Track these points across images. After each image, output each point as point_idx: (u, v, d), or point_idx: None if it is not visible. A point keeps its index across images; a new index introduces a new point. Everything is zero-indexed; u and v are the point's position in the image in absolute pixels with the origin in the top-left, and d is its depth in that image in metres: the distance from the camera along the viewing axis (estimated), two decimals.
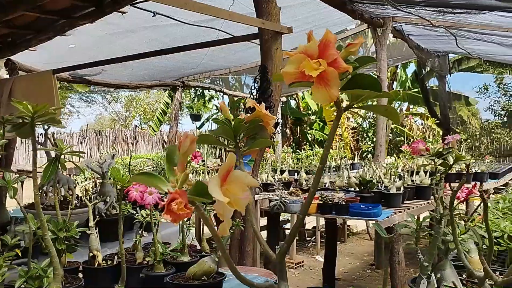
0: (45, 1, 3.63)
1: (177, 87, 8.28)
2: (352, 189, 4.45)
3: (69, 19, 4.27)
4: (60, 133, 16.06)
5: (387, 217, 3.75)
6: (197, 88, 13.68)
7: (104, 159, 3.59)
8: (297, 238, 7.44)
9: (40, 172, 1.87)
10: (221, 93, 9.55)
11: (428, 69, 8.90)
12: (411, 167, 5.21)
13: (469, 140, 15.30)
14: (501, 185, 6.71)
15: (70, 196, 3.21)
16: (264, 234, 5.84)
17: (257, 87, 3.94)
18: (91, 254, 2.44)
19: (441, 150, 1.79)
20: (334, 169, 5.94)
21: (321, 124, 15.05)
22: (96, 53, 5.88)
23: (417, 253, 1.51)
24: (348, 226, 8.38)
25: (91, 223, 2.46)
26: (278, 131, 8.12)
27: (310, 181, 4.84)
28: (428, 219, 1.81)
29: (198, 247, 3.00)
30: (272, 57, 3.91)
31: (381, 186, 4.34)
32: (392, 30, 6.41)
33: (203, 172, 6.38)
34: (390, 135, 13.47)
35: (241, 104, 13.20)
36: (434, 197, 1.77)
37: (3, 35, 4.74)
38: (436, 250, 1.51)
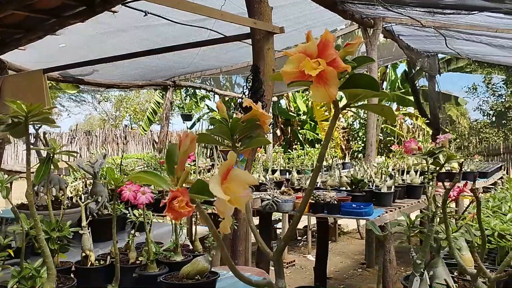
0: (35, 0, 3.61)
1: (168, 86, 8.26)
2: (344, 188, 4.47)
3: (60, 18, 4.24)
4: (50, 133, 15.94)
5: (379, 216, 3.77)
6: (188, 88, 13.67)
7: (95, 159, 3.57)
8: None
9: (33, 172, 1.86)
10: (212, 93, 9.55)
11: (418, 69, 8.97)
12: (401, 166, 5.24)
13: (458, 140, 15.44)
14: (490, 184, 6.79)
15: (62, 196, 3.20)
16: None
17: (249, 87, 3.94)
18: (83, 254, 2.43)
19: (433, 149, 1.82)
20: (325, 168, 5.95)
21: (312, 124, 15.09)
22: (86, 53, 5.85)
23: (410, 251, 1.53)
24: (339, 225, 8.42)
25: (84, 223, 2.45)
26: (269, 131, 8.14)
27: (302, 180, 4.85)
28: (420, 218, 1.83)
29: (191, 247, 3.01)
30: (264, 57, 3.92)
31: (372, 185, 4.36)
32: (383, 31, 6.45)
33: (194, 172, 6.37)
34: (380, 134, 13.55)
35: (232, 103, 13.20)
36: (426, 196, 1.79)
37: None
38: (428, 248, 1.53)
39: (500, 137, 15.33)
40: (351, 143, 14.39)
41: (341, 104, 0.84)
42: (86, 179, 6.46)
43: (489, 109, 16.47)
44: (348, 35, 7.51)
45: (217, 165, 5.74)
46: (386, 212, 3.91)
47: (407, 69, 11.59)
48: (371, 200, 4.10)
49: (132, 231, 2.70)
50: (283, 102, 15.69)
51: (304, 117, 15.54)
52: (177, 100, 16.42)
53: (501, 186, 4.51)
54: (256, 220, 6.38)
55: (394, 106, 14.98)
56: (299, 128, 15.41)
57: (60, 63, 5.99)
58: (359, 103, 0.82)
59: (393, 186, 4.28)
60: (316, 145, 14.14)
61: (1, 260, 1.92)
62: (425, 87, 10.07)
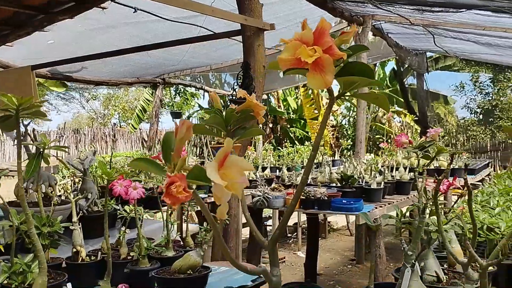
0: None
1: (158, 84, 8.23)
2: (334, 184, 4.50)
3: (48, 14, 4.21)
4: (37, 131, 15.78)
5: (369, 211, 3.80)
6: (178, 86, 13.62)
7: (85, 156, 3.56)
8: None
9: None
10: (202, 91, 9.53)
11: (406, 67, 9.04)
12: (390, 163, 5.29)
13: (446, 137, 15.57)
14: (478, 181, 6.86)
15: (52, 193, 3.18)
16: (247, 230, 5.86)
17: (239, 84, 3.95)
18: (74, 250, 2.42)
19: (423, 143, 1.84)
20: (315, 165, 5.98)
21: (302, 122, 15.13)
22: (75, 49, 5.80)
23: (401, 242, 1.54)
24: (329, 222, 8.46)
25: (75, 218, 2.44)
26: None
27: (292, 177, 4.87)
28: (410, 211, 1.85)
29: (182, 243, 3.01)
30: (255, 53, 3.93)
31: (362, 182, 4.40)
32: (372, 28, 6.49)
33: None
34: (369, 132, 13.63)
35: (222, 101, 13.16)
36: (417, 189, 1.81)
37: None
38: (419, 240, 1.55)
39: (487, 135, 15.49)
40: (340, 140, 14.46)
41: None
42: (74, 177, 6.41)
43: (476, 107, 16.64)
44: (337, 33, 7.55)
45: (207, 163, 5.74)
46: (376, 208, 3.94)
47: (396, 67, 11.67)
48: (361, 196, 4.13)
49: (123, 228, 2.70)
50: (272, 100, 15.72)
51: (294, 116, 15.58)
52: (167, 98, 16.36)
53: (489, 182, 4.57)
54: None
55: None
56: (288, 126, 15.44)
57: (49, 59, 5.94)
58: (354, 92, 0.83)
59: (382, 182, 4.32)
60: (306, 142, 14.19)
61: None
62: (414, 85, 10.14)
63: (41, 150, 2.06)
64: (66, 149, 2.52)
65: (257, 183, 4.49)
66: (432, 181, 2.15)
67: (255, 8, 3.94)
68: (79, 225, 2.48)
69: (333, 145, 13.88)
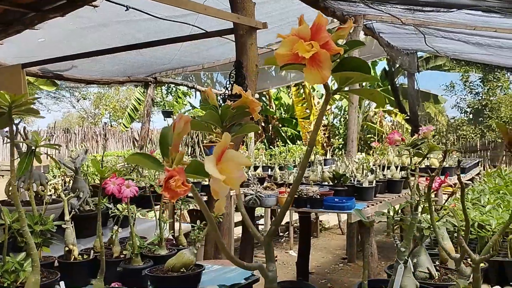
0: None
1: (149, 83, 8.20)
2: (326, 183, 4.51)
3: (39, 12, 4.17)
4: (27, 131, 15.66)
5: (355, 213, 3.81)
6: (169, 85, 13.58)
7: (77, 154, 3.54)
8: None
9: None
10: (194, 90, 9.51)
11: (398, 66, 9.09)
12: (382, 162, 5.32)
13: (436, 137, 15.67)
14: (468, 180, 6.92)
15: (43, 192, 3.16)
16: (238, 230, 5.87)
17: (232, 82, 3.95)
18: (67, 249, 2.41)
19: (416, 140, 1.85)
20: (308, 164, 6.00)
21: (294, 121, 15.16)
22: (66, 48, 5.77)
23: (394, 239, 1.56)
24: (321, 221, 8.49)
25: (67, 216, 2.43)
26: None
27: (285, 176, 4.88)
28: (401, 209, 1.86)
29: (174, 241, 3.00)
30: (247, 52, 3.93)
31: (354, 180, 4.42)
32: (363, 28, 6.51)
33: None
34: (360, 132, 13.69)
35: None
36: (409, 186, 1.82)
37: None
38: (412, 236, 1.56)
39: (477, 134, 15.62)
40: (332, 140, 14.50)
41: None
42: (65, 176, 6.37)
43: (466, 107, 16.77)
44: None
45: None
46: (368, 206, 3.96)
47: (387, 67, 11.72)
48: (353, 195, 4.15)
49: (116, 228, 2.69)
50: (263, 99, 15.72)
51: (285, 115, 15.60)
52: (158, 97, 16.31)
53: (480, 181, 4.61)
54: (238, 217, 6.39)
55: (374, 104, 15.16)
56: (280, 125, 15.46)
57: (39, 58, 5.90)
58: (349, 88, 0.84)
59: (374, 181, 4.34)
60: (298, 141, 14.21)
61: None
62: (405, 85, 10.20)
63: (33, 148, 2.04)
64: (58, 147, 2.49)
65: (250, 182, 4.50)
66: (424, 179, 2.17)
67: (248, 6, 3.95)
68: (71, 223, 2.47)
69: (325, 144, 13.92)
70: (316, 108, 14.17)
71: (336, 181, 4.32)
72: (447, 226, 1.89)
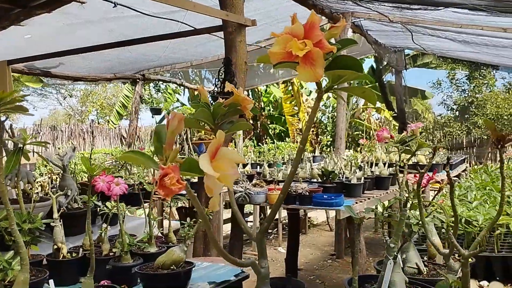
0: None
1: (137, 80, 8.16)
2: (315, 180, 4.54)
3: (25, 8, 4.12)
4: (14, 128, 15.46)
5: (345, 209, 3.84)
6: (157, 82, 13.50)
7: (64, 152, 3.51)
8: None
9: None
10: (182, 87, 9.48)
11: (385, 64, 9.14)
12: (370, 159, 5.36)
13: (423, 134, 15.81)
14: (454, 176, 7.00)
15: (30, 190, 3.13)
16: (227, 227, 5.87)
17: (221, 79, 3.94)
18: (55, 247, 2.39)
19: (404, 137, 1.87)
20: None
21: (282, 118, 15.18)
22: (53, 44, 5.71)
23: (384, 235, 1.57)
24: (309, 218, 8.52)
25: (55, 214, 2.41)
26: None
27: (274, 173, 4.89)
28: (392, 203, 1.88)
29: (164, 239, 3.00)
30: (236, 49, 3.92)
31: (343, 177, 4.44)
32: (351, 25, 6.54)
33: None
34: (348, 129, 13.75)
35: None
36: (398, 182, 1.84)
37: None
38: (401, 232, 1.58)
39: (463, 131, 15.79)
40: (320, 137, 14.56)
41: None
42: (52, 174, 6.31)
43: (453, 104, 16.94)
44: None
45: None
46: (356, 203, 3.99)
47: (374, 64, 11.78)
48: (342, 191, 4.17)
49: (105, 226, 2.67)
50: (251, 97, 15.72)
51: (274, 112, 15.63)
52: (146, 95, 16.22)
53: (466, 177, 4.67)
54: (227, 214, 6.40)
55: (362, 101, 15.24)
56: (269, 123, 15.48)
57: (26, 55, 5.83)
58: (341, 86, 0.85)
59: (362, 178, 4.37)
60: (287, 138, 14.24)
61: None
62: (392, 82, 10.27)
63: (22, 145, 2.03)
64: (47, 145, 2.48)
65: (239, 179, 4.50)
66: (412, 176, 2.19)
67: (237, 3, 3.94)
68: (60, 221, 2.45)
69: (313, 141, 13.97)
70: (304, 106, 14.21)
71: (325, 178, 4.34)
72: (435, 222, 1.92)
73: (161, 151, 0.74)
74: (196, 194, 4.27)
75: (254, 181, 4.58)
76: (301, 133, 14.28)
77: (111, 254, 2.48)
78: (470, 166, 9.84)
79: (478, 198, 2.75)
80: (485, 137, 15.12)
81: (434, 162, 6.25)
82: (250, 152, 7.48)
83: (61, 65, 6.67)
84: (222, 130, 1.14)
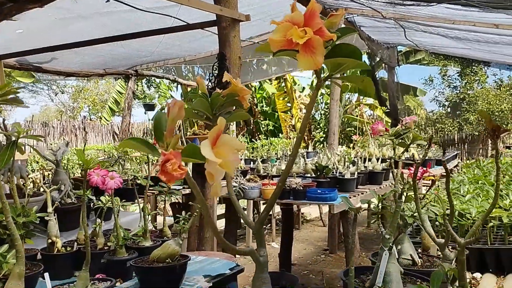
0: None
1: (130, 75, 8.12)
2: (309, 175, 4.55)
3: (17, 2, 4.09)
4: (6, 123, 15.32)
5: (342, 201, 3.86)
6: (149, 78, 13.44)
7: (58, 147, 3.50)
8: None
9: None
10: (175, 83, 9.45)
11: (378, 60, 9.16)
12: (363, 154, 5.38)
13: (416, 130, 15.87)
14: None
15: (23, 185, 3.12)
16: (222, 222, 5.87)
17: (215, 75, 3.94)
18: (50, 241, 2.39)
19: (399, 130, 1.88)
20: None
21: (276, 114, 15.19)
22: (45, 39, 5.66)
23: (379, 227, 1.58)
24: (302, 213, 8.55)
25: (50, 209, 2.40)
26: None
27: (268, 168, 4.90)
28: (386, 196, 1.89)
29: (158, 233, 3.00)
30: (230, 44, 3.92)
31: (336, 172, 4.46)
32: (345, 21, 6.54)
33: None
34: (340, 125, 13.78)
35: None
36: (393, 175, 1.85)
37: None
38: (397, 223, 1.60)
39: (454, 127, 15.89)
40: (313, 133, 14.58)
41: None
42: (44, 170, 6.28)
43: (445, 100, 17.03)
44: None
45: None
46: (350, 197, 4.01)
47: (367, 61, 11.81)
48: (335, 186, 4.19)
49: (98, 220, 2.67)
50: None
51: (267, 108, 15.63)
52: (138, 91, 16.15)
53: (458, 172, 4.70)
54: (221, 210, 6.40)
55: (355, 96, 15.28)
56: (262, 119, 15.48)
57: (18, 49, 5.79)
58: (341, 75, 0.85)
59: (356, 173, 4.40)
60: (280, 134, 14.25)
61: None
62: (385, 79, 10.30)
63: (15, 140, 2.02)
64: (41, 139, 2.46)
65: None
66: (407, 169, 2.20)
67: None
68: (55, 215, 2.44)
69: (306, 137, 14.00)
70: (297, 102, 14.23)
71: (318, 173, 4.35)
72: (429, 214, 1.93)
73: (161, 138, 0.75)
74: (191, 190, 4.27)
75: (248, 176, 4.59)
76: (294, 130, 14.31)
77: (105, 248, 2.48)
78: (461, 162, 9.91)
79: (471, 192, 2.78)
80: (476, 134, 15.23)
81: (426, 158, 6.29)
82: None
83: (54, 60, 6.63)
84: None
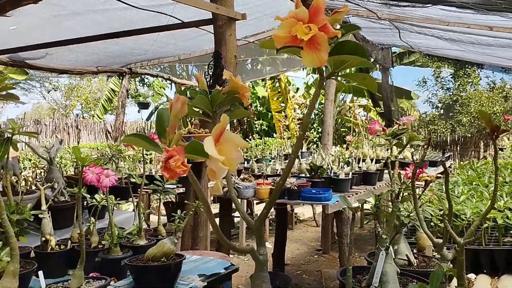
0: None
1: (124, 74, 8.08)
2: (303, 175, 4.55)
3: None
4: None
5: (337, 201, 3.86)
6: (143, 76, 13.39)
7: (51, 144, 3.47)
8: (246, 226, 7.51)
9: None
10: (170, 82, 9.42)
11: (372, 60, 9.18)
12: (357, 155, 5.39)
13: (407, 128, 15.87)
14: (439, 173, 7.08)
15: (16, 182, 3.09)
16: (216, 221, 5.86)
17: (210, 73, 3.92)
18: (43, 239, 2.37)
19: (396, 131, 1.88)
20: (284, 157, 6.05)
21: (269, 114, 15.19)
22: (39, 36, 5.62)
23: (376, 226, 1.58)
24: (296, 213, 8.55)
25: (44, 206, 2.38)
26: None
27: (262, 168, 4.90)
28: (382, 197, 1.89)
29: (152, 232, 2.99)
30: (226, 43, 3.90)
31: (331, 172, 4.46)
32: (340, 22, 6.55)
33: (150, 162, 6.30)
34: (335, 125, 13.81)
35: (188, 92, 13.06)
36: (390, 175, 1.85)
37: None
38: (394, 224, 1.60)
39: (447, 129, 15.95)
40: (307, 133, 14.58)
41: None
42: (37, 168, 6.23)
43: (438, 102, 17.09)
44: None
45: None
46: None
47: None
48: (330, 186, 4.19)
49: (92, 218, 2.65)
50: None
51: (261, 108, 15.62)
52: (132, 89, 16.08)
53: (452, 173, 4.72)
54: (216, 210, 6.38)
55: (349, 97, 15.32)
56: (256, 119, 15.47)
57: (11, 46, 5.74)
58: (344, 73, 0.85)
59: (350, 173, 4.40)
60: (274, 134, 14.25)
61: None
62: (379, 80, 10.33)
63: (10, 136, 2.00)
64: (36, 135, 2.45)
65: None
66: (402, 170, 2.21)
67: None
68: (49, 212, 2.42)
69: None
70: (291, 102, 14.22)
71: (313, 173, 4.35)
72: (425, 214, 1.94)
73: (164, 134, 0.74)
74: (185, 190, 4.26)
75: (242, 176, 4.58)
76: (287, 130, 14.31)
77: (100, 246, 2.47)
78: (454, 163, 9.96)
79: (465, 193, 2.79)
80: (469, 135, 15.30)
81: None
82: None
83: (47, 56, 6.57)
84: (218, 118, 1.14)
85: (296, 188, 3.92)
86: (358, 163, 4.97)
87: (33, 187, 3.30)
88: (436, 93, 17.08)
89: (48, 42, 5.36)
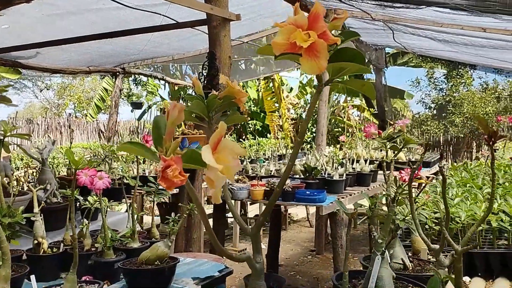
0: None
1: (118, 73, 8.04)
2: (297, 176, 4.54)
3: None
4: None
5: (331, 202, 3.86)
6: (136, 76, 13.33)
7: (44, 145, 3.44)
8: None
9: None
10: (163, 81, 9.38)
11: (366, 61, 9.20)
12: (351, 156, 5.39)
13: (401, 131, 15.94)
14: (432, 173, 7.10)
15: (8, 184, 3.06)
16: (209, 222, 5.84)
17: (205, 74, 3.91)
18: (35, 242, 2.34)
19: (392, 133, 1.88)
20: (278, 157, 6.04)
21: (262, 114, 15.18)
22: (32, 35, 5.58)
23: (372, 230, 1.58)
24: (289, 214, 8.55)
25: (36, 209, 2.35)
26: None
27: (256, 168, 4.88)
28: (378, 200, 1.89)
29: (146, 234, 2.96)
30: (221, 43, 3.89)
31: (325, 173, 4.46)
32: None
33: (144, 162, 6.25)
34: (328, 126, 13.82)
35: (182, 92, 13.03)
36: (385, 177, 1.85)
37: None
38: (389, 228, 1.59)
39: (440, 129, 16.03)
40: None
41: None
42: (29, 168, 6.17)
43: (431, 103, 17.17)
44: None
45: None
46: (338, 199, 4.01)
47: None
48: (324, 187, 4.19)
49: (85, 220, 2.62)
50: None
51: (255, 108, 15.61)
52: (124, 89, 16.02)
53: (446, 174, 4.72)
54: (209, 210, 6.36)
55: (343, 97, 15.34)
56: (249, 119, 15.45)
57: (3, 45, 5.69)
58: (342, 79, 0.84)
59: (344, 174, 4.40)
60: (268, 134, 14.24)
61: None
62: (372, 80, 10.36)
63: (2, 137, 1.98)
64: (29, 137, 2.42)
65: None
66: (398, 172, 2.20)
67: None
68: (41, 215, 2.40)
69: (293, 138, 14.00)
70: (285, 102, 14.22)
71: (307, 174, 4.35)
72: (420, 218, 1.93)
73: (160, 142, 0.72)
74: (178, 189, 4.24)
75: (236, 177, 4.56)
76: (281, 130, 14.31)
77: (93, 249, 2.44)
78: (447, 164, 9.99)
79: (459, 195, 2.79)
80: (462, 136, 15.38)
81: (413, 160, 6.32)
82: None
83: (40, 56, 6.53)
84: (216, 123, 1.12)
85: (290, 189, 3.91)
86: (352, 164, 4.97)
87: (25, 188, 3.27)
88: (429, 94, 17.16)
89: (41, 41, 5.32)
